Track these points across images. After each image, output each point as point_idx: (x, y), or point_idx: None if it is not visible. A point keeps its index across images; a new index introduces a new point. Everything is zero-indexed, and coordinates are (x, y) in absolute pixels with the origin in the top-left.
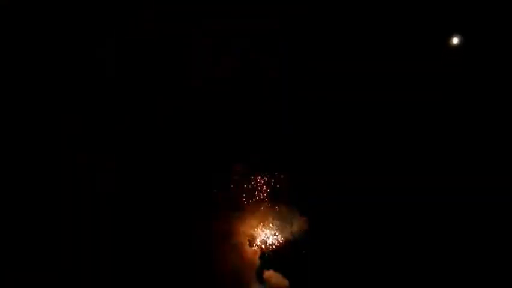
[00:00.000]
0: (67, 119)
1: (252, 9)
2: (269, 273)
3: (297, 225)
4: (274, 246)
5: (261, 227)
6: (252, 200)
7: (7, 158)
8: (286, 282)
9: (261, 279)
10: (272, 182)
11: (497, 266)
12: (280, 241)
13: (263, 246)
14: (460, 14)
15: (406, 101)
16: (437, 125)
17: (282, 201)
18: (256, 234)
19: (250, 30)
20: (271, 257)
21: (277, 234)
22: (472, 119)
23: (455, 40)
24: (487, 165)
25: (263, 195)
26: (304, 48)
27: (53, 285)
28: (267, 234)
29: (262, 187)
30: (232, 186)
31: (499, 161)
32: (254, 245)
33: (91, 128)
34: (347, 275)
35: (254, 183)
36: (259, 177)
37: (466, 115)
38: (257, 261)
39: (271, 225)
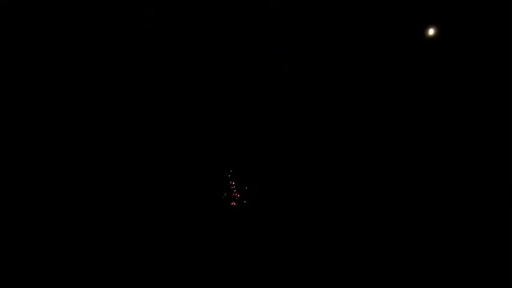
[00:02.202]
0: (67, 119)
1: (252, 9)
2: None
3: (297, 223)
4: (274, 245)
5: (261, 226)
6: (252, 200)
7: (7, 158)
8: None
9: None
10: (272, 182)
11: (497, 266)
12: (281, 240)
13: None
14: (460, 15)
15: (406, 101)
16: (437, 124)
17: (281, 201)
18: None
19: (250, 30)
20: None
21: (277, 233)
22: (472, 119)
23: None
24: (486, 165)
25: (263, 195)
26: (304, 48)
27: (53, 285)
28: (267, 233)
29: (262, 187)
30: (232, 186)
31: (498, 161)
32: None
33: (91, 128)
34: (346, 274)
35: (254, 183)
36: (260, 177)
37: (465, 115)
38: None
39: (271, 224)
